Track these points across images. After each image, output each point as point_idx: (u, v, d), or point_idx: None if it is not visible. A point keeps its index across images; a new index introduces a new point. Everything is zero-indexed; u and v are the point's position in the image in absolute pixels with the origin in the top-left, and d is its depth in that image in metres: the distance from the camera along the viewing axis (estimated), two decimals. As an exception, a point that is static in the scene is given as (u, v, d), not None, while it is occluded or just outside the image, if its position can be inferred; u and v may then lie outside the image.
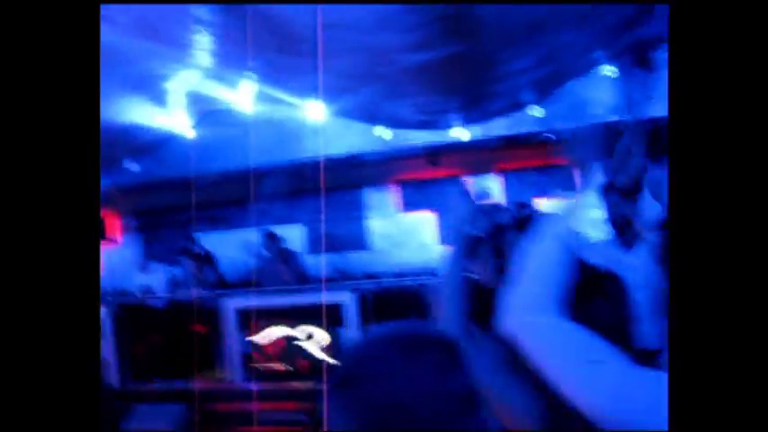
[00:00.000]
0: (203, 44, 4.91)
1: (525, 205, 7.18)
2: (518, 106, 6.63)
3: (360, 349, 0.99)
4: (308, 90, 5.89)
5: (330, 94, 6.01)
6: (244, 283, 8.90)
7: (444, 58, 4.61)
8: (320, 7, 3.58)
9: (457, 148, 8.12)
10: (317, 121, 7.28)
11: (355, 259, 9.87)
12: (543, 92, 6.40)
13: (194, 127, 8.12)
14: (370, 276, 9.12)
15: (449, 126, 6.94)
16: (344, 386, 0.94)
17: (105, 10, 4.23)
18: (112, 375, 7.68)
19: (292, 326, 6.99)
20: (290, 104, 7.31)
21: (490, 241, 3.03)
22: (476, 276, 2.95)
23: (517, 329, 1.26)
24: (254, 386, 7.05)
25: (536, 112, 6.79)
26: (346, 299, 6.81)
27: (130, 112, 7.01)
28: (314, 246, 10.00)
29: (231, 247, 9.76)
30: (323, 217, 9.70)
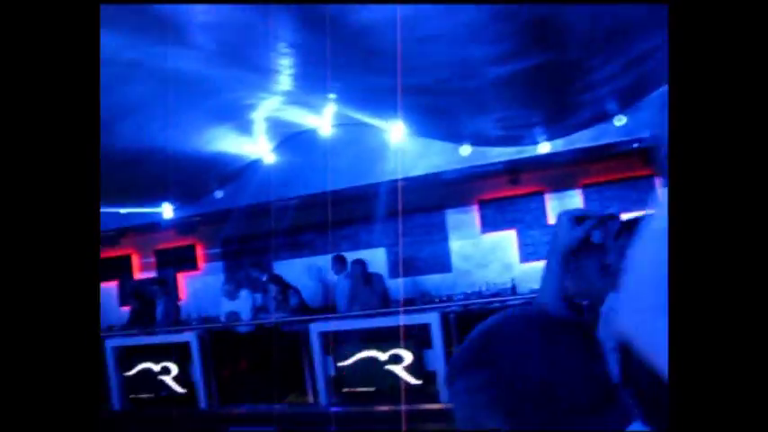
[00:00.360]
0: (284, 67, 4.97)
1: (614, 217, 6.98)
2: (603, 117, 6.45)
3: (495, 329, 0.96)
4: (390, 109, 5.89)
5: (412, 113, 5.99)
6: (328, 308, 8.96)
7: (531, 68, 4.52)
8: (400, 20, 3.57)
9: (538, 163, 7.99)
10: (398, 142, 7.29)
11: (437, 281, 9.80)
12: (629, 100, 6.20)
13: (274, 151, 8.27)
14: (452, 298, 9.04)
15: (532, 141, 6.81)
16: (479, 365, 0.92)
17: (190, 36, 4.37)
18: (201, 399, 7.83)
19: (377, 348, 6.97)
20: (370, 126, 7.36)
21: (581, 253, 2.93)
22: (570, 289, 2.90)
23: (633, 332, 1.23)
24: (339, 409, 7.05)
25: (622, 122, 6.59)
26: (430, 321, 6.77)
27: (216, 141, 7.19)
28: (396, 269, 9.99)
29: (314, 272, 9.87)
30: (400, 240, 9.71)
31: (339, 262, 8.88)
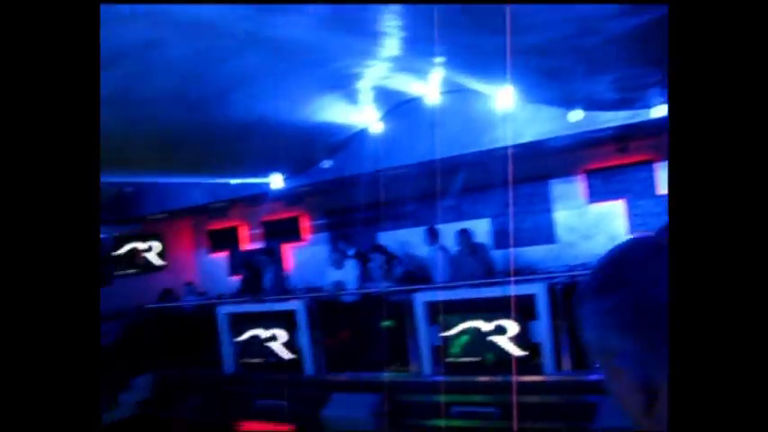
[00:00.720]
0: (392, 28, 4.92)
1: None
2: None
3: (626, 253, 0.94)
4: (499, 73, 5.75)
5: (522, 76, 5.84)
6: (432, 278, 8.96)
7: (652, 22, 4.30)
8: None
9: (651, 129, 7.62)
10: (507, 109, 7.10)
11: (541, 253, 9.61)
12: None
13: (381, 120, 8.28)
14: (557, 270, 8.85)
15: (647, 104, 6.50)
16: (609, 289, 0.91)
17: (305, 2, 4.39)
18: (308, 365, 8.05)
19: (481, 319, 6.94)
20: (477, 93, 7.23)
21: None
22: None
23: None
24: (443, 378, 7.07)
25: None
26: (535, 291, 6.68)
27: (324, 110, 7.29)
28: (499, 239, 9.86)
29: (418, 242, 9.88)
30: (511, 210, 9.56)
31: (431, 234, 8.83)
